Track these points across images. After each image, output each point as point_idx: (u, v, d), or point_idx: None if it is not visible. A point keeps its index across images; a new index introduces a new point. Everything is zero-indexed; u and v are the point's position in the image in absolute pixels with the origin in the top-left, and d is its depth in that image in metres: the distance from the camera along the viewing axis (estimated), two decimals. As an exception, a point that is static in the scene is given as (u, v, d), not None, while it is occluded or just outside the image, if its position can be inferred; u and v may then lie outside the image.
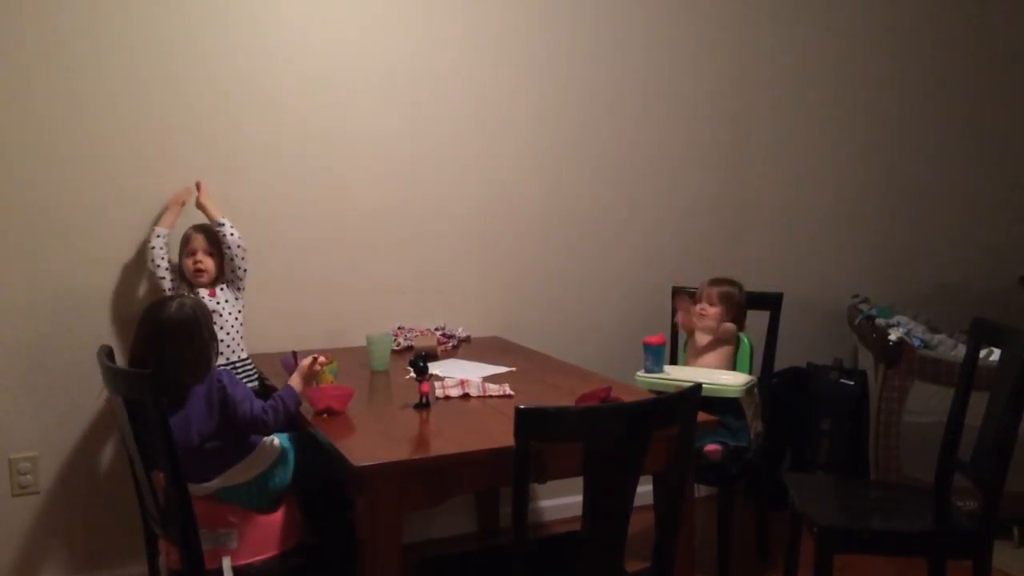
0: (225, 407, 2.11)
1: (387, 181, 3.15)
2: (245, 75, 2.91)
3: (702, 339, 3.05)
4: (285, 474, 2.22)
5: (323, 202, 3.07)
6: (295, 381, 2.24)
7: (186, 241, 2.74)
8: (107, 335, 2.80)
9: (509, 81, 3.28)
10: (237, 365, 2.70)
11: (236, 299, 2.76)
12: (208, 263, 2.71)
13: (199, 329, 2.13)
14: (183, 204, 2.77)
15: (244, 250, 2.73)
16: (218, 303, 2.69)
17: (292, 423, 2.32)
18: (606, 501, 1.79)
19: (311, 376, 2.27)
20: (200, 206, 2.76)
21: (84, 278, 2.78)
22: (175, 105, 2.84)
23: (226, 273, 2.75)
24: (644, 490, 1.95)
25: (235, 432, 2.15)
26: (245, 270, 2.76)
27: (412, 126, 3.16)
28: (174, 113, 2.84)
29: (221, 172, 2.90)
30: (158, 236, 2.71)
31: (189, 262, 2.71)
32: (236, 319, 2.73)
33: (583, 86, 3.40)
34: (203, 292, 2.70)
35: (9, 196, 2.68)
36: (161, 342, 2.09)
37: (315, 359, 2.27)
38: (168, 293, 2.66)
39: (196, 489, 2.12)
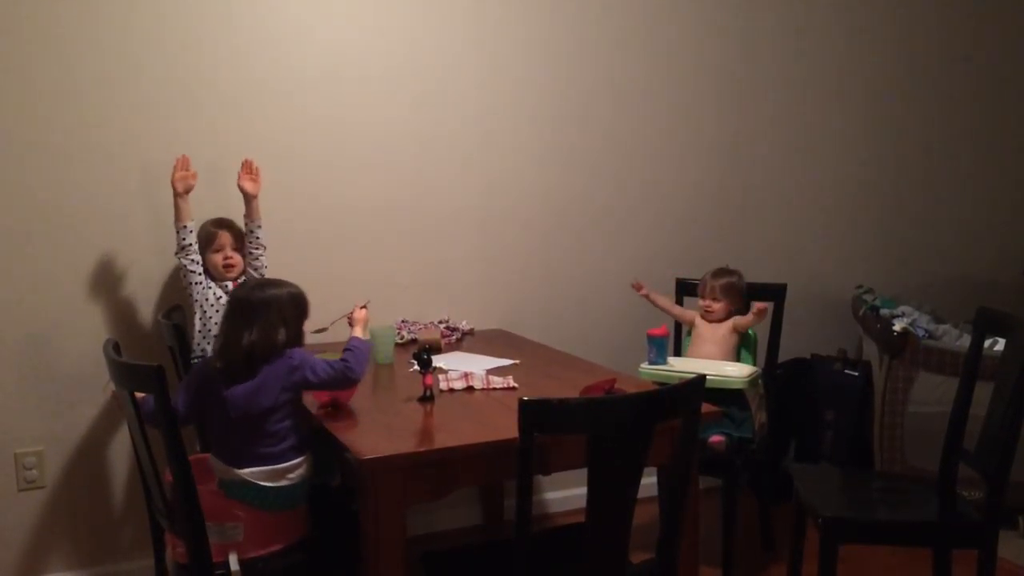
0: (305, 381, 2.12)
1: (390, 175, 3.15)
2: (244, 68, 2.91)
3: (706, 330, 3.05)
4: (304, 491, 2.21)
5: (325, 196, 3.07)
6: (358, 331, 2.29)
7: (211, 238, 2.73)
8: (111, 330, 2.80)
9: (512, 75, 3.27)
10: None
11: None
12: (237, 258, 2.74)
13: (278, 306, 2.16)
14: (189, 192, 2.69)
15: (265, 248, 2.80)
16: None
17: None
18: (610, 493, 1.79)
19: (366, 322, 2.35)
20: (250, 196, 2.75)
21: (88, 273, 2.78)
22: (176, 100, 2.84)
23: (247, 271, 2.77)
24: (648, 482, 1.95)
25: (296, 422, 2.15)
26: (266, 267, 2.79)
27: (414, 119, 3.16)
28: (176, 108, 2.84)
29: (222, 167, 2.90)
30: (190, 231, 2.67)
31: (218, 257, 2.72)
32: None
33: (586, 79, 3.39)
34: (229, 286, 2.70)
35: (11, 192, 2.69)
36: (241, 319, 2.13)
37: (362, 307, 2.38)
38: (195, 286, 2.67)
39: (221, 469, 2.11)
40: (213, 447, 2.17)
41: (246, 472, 2.09)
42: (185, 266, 2.67)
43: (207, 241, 2.74)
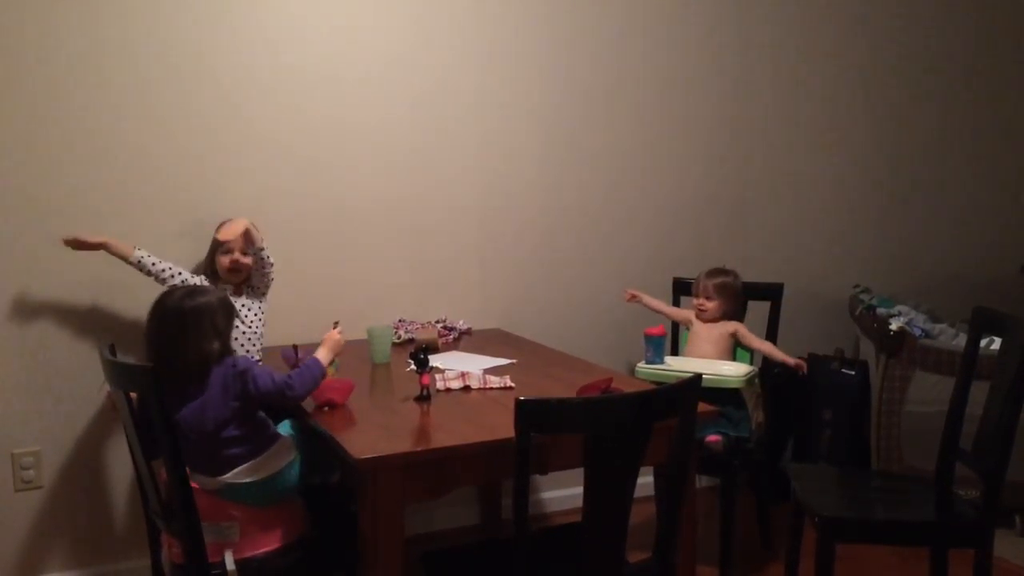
0: (245, 389, 2.08)
1: (388, 174, 3.15)
2: (244, 68, 2.91)
3: (702, 329, 3.05)
4: (293, 476, 2.21)
5: (323, 195, 3.07)
6: (321, 353, 2.24)
7: (221, 240, 2.68)
8: (108, 331, 2.79)
9: (509, 73, 3.27)
10: None
11: (259, 306, 2.74)
12: (245, 261, 2.68)
13: (211, 314, 2.11)
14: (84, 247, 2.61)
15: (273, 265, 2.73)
16: (242, 305, 2.67)
17: (295, 414, 2.33)
18: (607, 492, 1.79)
19: (338, 346, 2.28)
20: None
21: (85, 274, 2.77)
22: (174, 100, 2.83)
23: (254, 280, 2.73)
24: (646, 481, 1.96)
25: (253, 422, 2.14)
26: (273, 278, 2.75)
27: (412, 118, 3.16)
28: (173, 108, 2.83)
29: (220, 166, 2.91)
30: (145, 256, 2.62)
31: (225, 260, 2.67)
32: (256, 324, 2.71)
33: (583, 78, 3.39)
34: (229, 290, 2.66)
35: (9, 194, 2.68)
36: (175, 330, 2.07)
37: (336, 326, 2.31)
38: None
39: (205, 482, 2.12)
40: (188, 467, 2.13)
41: (227, 477, 2.11)
42: (164, 280, 2.63)
43: (219, 241, 2.68)
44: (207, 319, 2.10)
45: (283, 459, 2.18)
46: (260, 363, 2.49)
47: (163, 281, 2.64)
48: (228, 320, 2.17)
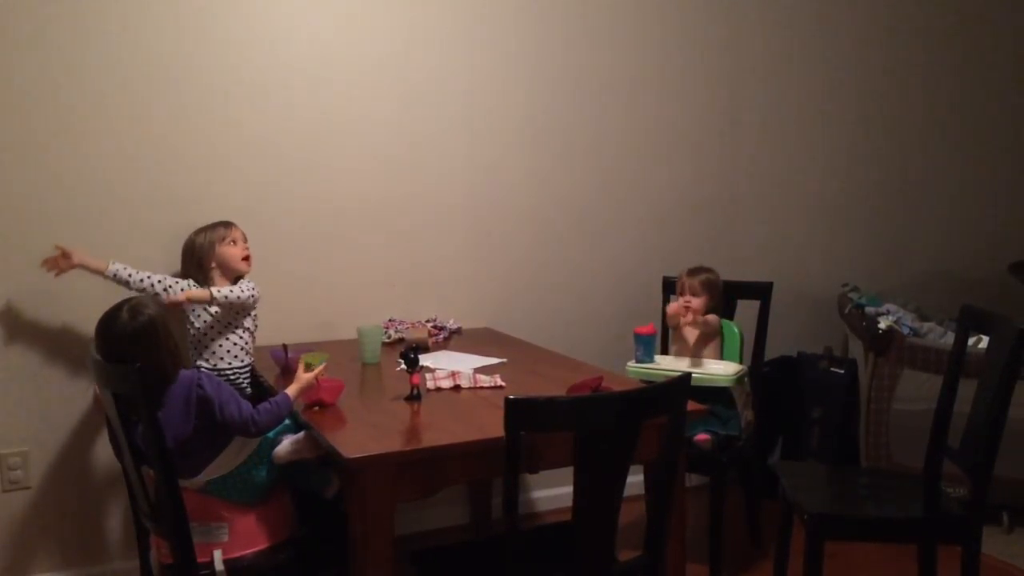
0: (208, 413, 2.07)
1: (377, 173, 3.14)
2: (233, 69, 2.89)
3: (688, 328, 3.05)
4: (268, 463, 2.21)
5: (312, 195, 3.06)
6: (292, 390, 2.19)
7: (225, 234, 2.65)
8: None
9: (499, 73, 3.27)
10: (239, 371, 2.65)
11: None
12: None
13: (160, 328, 2.07)
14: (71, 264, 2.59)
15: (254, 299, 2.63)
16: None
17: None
18: (597, 491, 1.80)
19: (309, 388, 2.23)
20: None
21: (74, 275, 2.75)
22: (163, 101, 2.82)
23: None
24: (636, 480, 1.96)
25: (213, 435, 2.12)
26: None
27: (401, 118, 3.15)
28: (163, 109, 2.82)
29: (209, 166, 2.89)
30: (121, 269, 2.57)
31: (236, 250, 2.64)
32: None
33: (573, 78, 3.39)
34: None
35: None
36: (129, 352, 2.01)
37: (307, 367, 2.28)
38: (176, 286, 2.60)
39: (185, 483, 2.11)
40: None
41: (202, 476, 2.12)
42: (153, 289, 2.57)
43: (220, 237, 2.63)
44: (157, 334, 2.06)
45: (248, 447, 2.18)
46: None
47: (143, 291, 2.56)
48: (171, 329, 2.13)
